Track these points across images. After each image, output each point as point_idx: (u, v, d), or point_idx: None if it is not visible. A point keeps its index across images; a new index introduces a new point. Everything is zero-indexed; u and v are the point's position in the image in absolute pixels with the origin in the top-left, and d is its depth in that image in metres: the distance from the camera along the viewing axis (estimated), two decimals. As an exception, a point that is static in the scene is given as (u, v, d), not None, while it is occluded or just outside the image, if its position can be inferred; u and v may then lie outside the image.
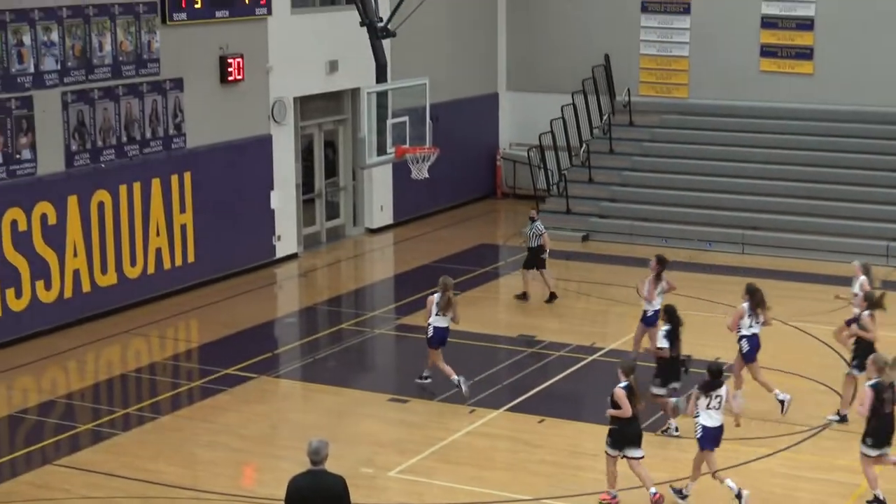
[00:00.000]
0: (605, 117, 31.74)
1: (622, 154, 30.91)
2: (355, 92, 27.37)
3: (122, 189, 22.68)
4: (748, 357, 18.11)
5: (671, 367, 17.20)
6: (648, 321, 19.38)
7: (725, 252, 27.43)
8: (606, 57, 32.16)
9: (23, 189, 20.96)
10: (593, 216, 29.36)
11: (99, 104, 22.23)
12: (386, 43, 22.95)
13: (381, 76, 22.40)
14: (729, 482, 14.92)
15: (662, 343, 17.16)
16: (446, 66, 31.04)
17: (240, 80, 24.94)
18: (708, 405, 14.97)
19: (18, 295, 20.98)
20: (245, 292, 24.43)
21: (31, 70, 20.97)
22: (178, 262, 23.94)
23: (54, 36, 21.28)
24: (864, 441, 15.07)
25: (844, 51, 30.15)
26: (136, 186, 22.96)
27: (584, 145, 30.89)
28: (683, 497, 15.21)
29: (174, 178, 23.70)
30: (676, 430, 17.10)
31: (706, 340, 21.18)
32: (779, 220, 27.89)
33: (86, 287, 22.11)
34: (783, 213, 28.05)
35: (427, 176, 22.54)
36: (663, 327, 17.37)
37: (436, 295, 18.62)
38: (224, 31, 24.60)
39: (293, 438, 17.17)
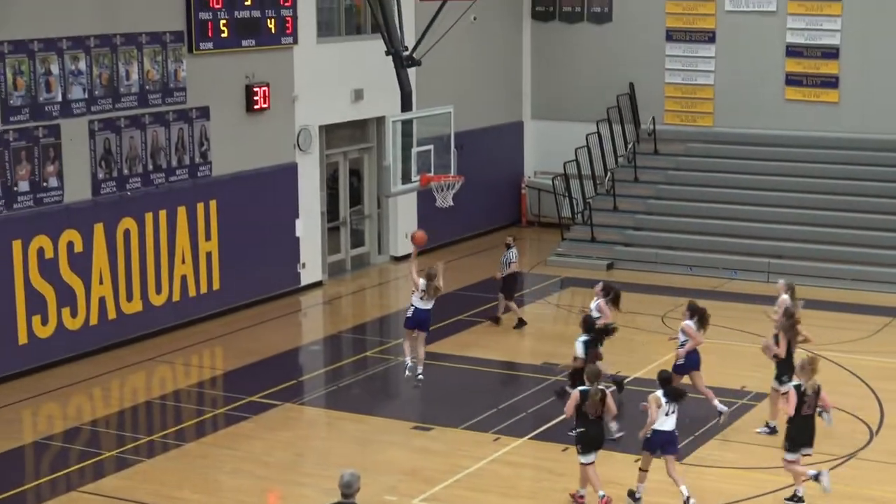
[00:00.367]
0: (629, 146, 31.74)
1: (647, 182, 30.90)
2: (380, 120, 27.44)
3: (148, 217, 22.79)
4: (690, 367, 18.55)
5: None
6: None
7: (750, 280, 27.33)
8: (631, 85, 32.20)
9: (49, 217, 21.08)
10: (618, 244, 29.33)
11: (125, 132, 22.37)
12: (411, 71, 23.07)
13: (406, 105, 22.51)
14: (640, 486, 15.70)
15: (579, 352, 18.01)
16: (471, 94, 31.12)
17: (265, 108, 25.06)
18: (667, 412, 15.56)
19: (45, 322, 21.08)
20: (270, 320, 24.48)
21: (59, 99, 21.13)
22: (204, 289, 24.02)
23: (82, 65, 21.44)
24: (785, 445, 15.84)
25: (870, 80, 30.10)
26: (162, 214, 23.06)
27: (609, 174, 30.89)
28: (637, 499, 15.81)
29: (200, 206, 23.80)
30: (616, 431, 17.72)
31: (732, 370, 21.15)
32: (804, 249, 27.80)
33: (111, 314, 22.19)
34: (808, 242, 27.96)
35: (452, 204, 22.61)
36: (581, 337, 18.27)
37: (421, 280, 19.08)
38: (250, 59, 24.73)
39: (317, 466, 17.18)
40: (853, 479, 16.67)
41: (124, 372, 21.32)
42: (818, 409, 16.07)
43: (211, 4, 23.62)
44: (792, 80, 30.93)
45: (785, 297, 19.43)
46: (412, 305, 19.23)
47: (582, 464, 15.67)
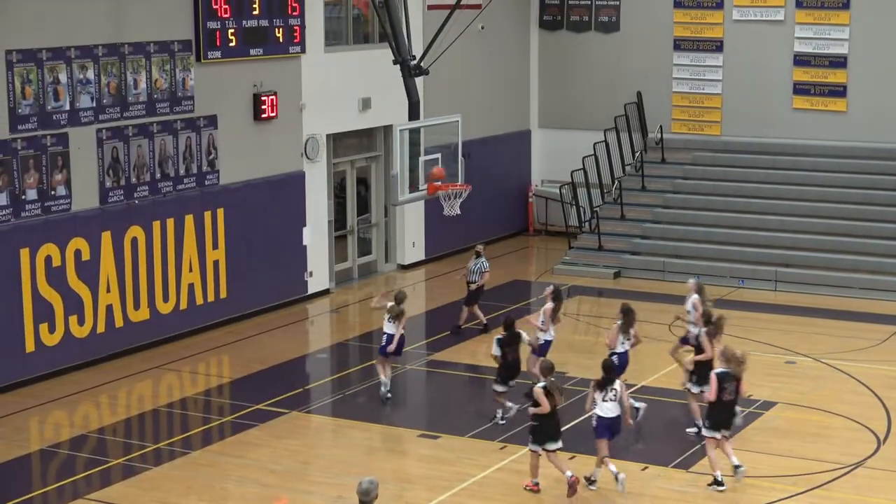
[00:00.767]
0: (637, 154, 31.74)
1: (654, 191, 30.90)
2: (388, 129, 27.49)
3: (156, 225, 22.83)
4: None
5: (509, 368, 18.84)
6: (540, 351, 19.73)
7: (758, 289, 27.32)
8: (639, 94, 32.21)
9: (57, 225, 21.12)
10: (625, 253, 29.33)
11: (133, 141, 22.41)
12: (419, 80, 23.09)
13: (413, 113, 22.53)
14: (611, 467, 16.28)
15: (495, 350, 18.88)
16: (479, 103, 31.15)
17: (273, 117, 25.10)
18: (604, 398, 16.33)
19: (52, 330, 21.12)
20: (277, 328, 24.50)
21: (67, 107, 21.17)
22: (211, 297, 24.04)
23: (90, 74, 21.50)
24: (704, 424, 16.67)
25: (878, 89, 30.08)
26: (170, 223, 23.10)
27: (616, 182, 30.89)
28: (592, 482, 16.55)
29: (207, 215, 23.84)
30: (503, 419, 18.77)
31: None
32: (812, 258, 27.77)
33: (118, 322, 22.23)
34: (816, 251, 27.93)
35: (459, 212, 22.62)
36: (497, 335, 19.09)
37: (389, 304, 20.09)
38: (258, 68, 24.78)
39: (324, 474, 17.19)
40: (860, 487, 16.64)
41: (131, 380, 21.35)
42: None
43: (219, 13, 23.67)
44: (800, 89, 30.91)
45: (695, 297, 19.92)
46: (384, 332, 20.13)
47: (532, 451, 16.35)
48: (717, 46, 31.64)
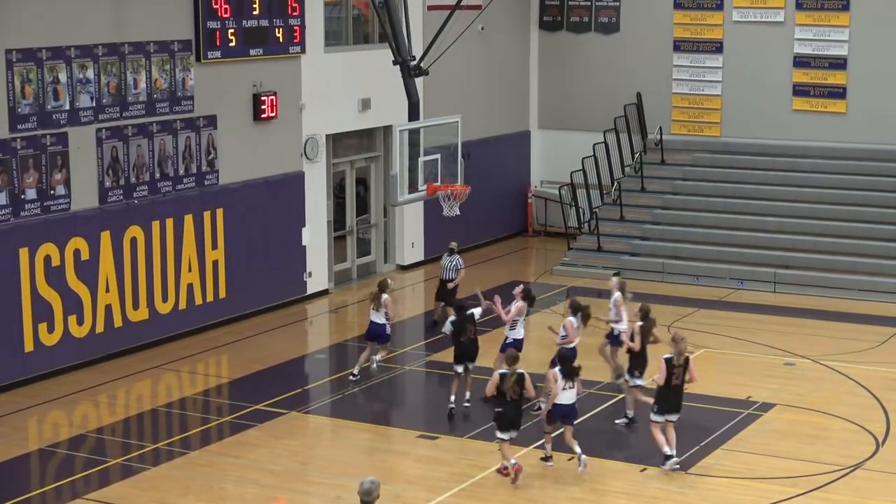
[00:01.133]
0: (636, 155, 31.75)
1: (654, 192, 30.90)
2: (387, 129, 27.50)
3: (155, 225, 22.82)
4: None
5: (463, 349, 19.44)
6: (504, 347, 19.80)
7: (757, 291, 27.32)
8: (638, 95, 32.21)
9: (56, 225, 21.12)
10: (624, 254, 29.33)
11: (133, 141, 22.41)
12: (418, 81, 23.11)
13: (413, 114, 22.54)
14: (547, 448, 17.32)
15: (447, 329, 19.73)
16: (478, 103, 31.15)
17: (273, 117, 25.10)
18: (564, 387, 16.97)
19: (51, 329, 21.12)
20: (276, 328, 24.51)
21: (67, 107, 21.17)
22: (210, 297, 24.05)
23: (90, 73, 21.49)
24: (653, 409, 17.15)
25: (877, 90, 30.08)
26: (169, 223, 23.10)
27: (616, 183, 30.89)
28: (548, 457, 17.40)
29: (206, 215, 23.84)
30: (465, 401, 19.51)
31: (738, 379, 21.15)
32: (811, 259, 27.78)
33: (117, 322, 22.23)
34: (815, 252, 27.94)
35: (458, 213, 22.62)
36: (450, 317, 19.80)
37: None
38: (258, 68, 24.78)
39: (322, 475, 17.19)
40: (859, 489, 16.64)
41: (130, 380, 21.35)
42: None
43: (219, 13, 23.68)
44: (799, 91, 30.92)
45: (618, 294, 20.31)
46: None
47: (500, 440, 16.82)
48: (716, 48, 31.64)
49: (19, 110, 20.41)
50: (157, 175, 22.92)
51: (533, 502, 16.36)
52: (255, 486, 16.80)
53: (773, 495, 16.39)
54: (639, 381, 18.81)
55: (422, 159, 21.80)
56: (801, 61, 30.82)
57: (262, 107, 24.81)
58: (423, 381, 21.86)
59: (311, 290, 26.55)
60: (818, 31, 30.54)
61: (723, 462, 17.50)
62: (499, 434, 16.83)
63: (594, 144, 30.85)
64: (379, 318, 20.70)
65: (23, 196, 20.61)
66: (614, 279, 20.97)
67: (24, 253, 20.55)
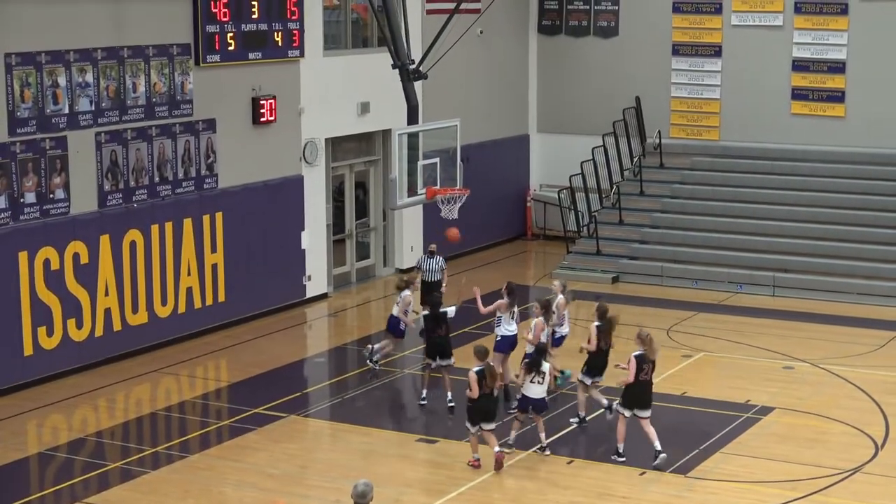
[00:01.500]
0: (635, 159, 31.76)
1: (652, 196, 30.92)
2: (386, 133, 27.52)
3: (154, 229, 22.83)
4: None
5: (434, 345, 19.96)
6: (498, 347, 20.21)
7: (756, 294, 27.33)
8: (637, 99, 32.23)
9: (56, 228, 21.12)
10: (623, 258, 29.34)
11: (132, 145, 22.42)
12: (417, 85, 23.14)
13: (412, 118, 22.56)
14: (513, 434, 18.02)
15: (420, 322, 20.46)
16: (477, 107, 31.17)
17: (272, 121, 25.12)
18: (531, 379, 17.68)
19: (50, 333, 21.12)
20: (275, 332, 24.51)
21: (66, 111, 21.18)
22: (209, 301, 24.05)
23: (89, 77, 21.51)
24: (619, 402, 17.72)
25: (876, 94, 30.09)
26: (168, 226, 23.10)
27: (615, 187, 30.92)
28: (510, 446, 17.99)
29: (206, 219, 23.85)
30: (449, 400, 19.88)
31: (737, 383, 21.16)
32: (809, 263, 27.79)
33: (117, 326, 22.23)
34: (814, 256, 27.95)
35: (456, 217, 22.62)
36: (424, 312, 20.37)
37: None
38: (257, 72, 24.79)
39: (321, 478, 17.19)
40: (858, 493, 16.64)
41: (129, 383, 21.35)
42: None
43: (218, 17, 23.69)
44: (798, 95, 30.94)
45: (562, 297, 20.49)
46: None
47: (471, 432, 17.38)
48: (715, 52, 31.66)
49: (18, 114, 20.42)
50: (157, 179, 22.93)
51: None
52: (255, 489, 16.81)
53: (772, 499, 16.39)
54: (593, 380, 19.04)
55: (421, 163, 21.82)
56: (799, 65, 30.84)
57: (262, 110, 24.82)
58: (423, 385, 21.83)
59: (310, 293, 26.55)
60: (817, 35, 30.55)
61: (722, 466, 17.50)
62: (470, 427, 17.34)
63: (593, 148, 30.87)
64: (396, 312, 21.20)
65: (22, 200, 20.62)
66: (556, 282, 21.24)
67: (23, 257, 20.56)
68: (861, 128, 30.27)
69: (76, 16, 21.32)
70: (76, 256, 21.42)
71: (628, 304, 26.43)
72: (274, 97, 25.11)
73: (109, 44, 21.85)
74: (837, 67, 30.45)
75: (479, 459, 17.39)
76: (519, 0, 32.89)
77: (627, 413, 17.61)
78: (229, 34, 23.97)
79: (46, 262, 20.93)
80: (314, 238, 26.53)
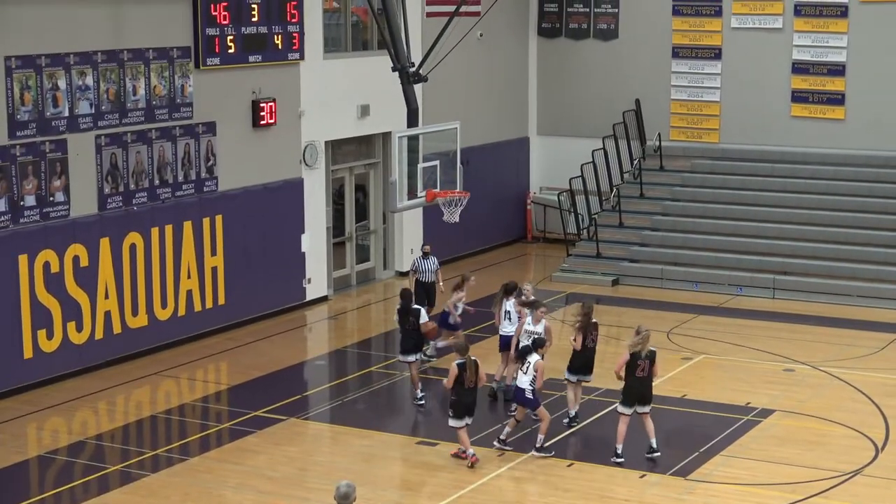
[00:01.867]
0: (635, 162, 31.77)
1: (653, 198, 30.91)
2: (386, 136, 27.52)
3: (154, 232, 22.83)
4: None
5: (410, 338, 20.38)
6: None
7: (756, 297, 27.33)
8: (637, 102, 32.23)
9: (56, 231, 21.11)
10: (623, 260, 29.33)
11: (132, 147, 22.42)
12: (417, 87, 23.13)
13: (412, 120, 22.54)
14: (506, 429, 18.24)
15: (396, 319, 20.73)
16: (477, 110, 31.17)
17: (272, 123, 25.12)
18: (519, 369, 18.11)
19: (50, 336, 21.11)
20: (275, 335, 24.51)
21: (66, 114, 21.18)
22: (209, 304, 24.04)
23: (89, 80, 21.50)
24: (621, 402, 17.76)
25: (876, 96, 30.09)
26: (168, 229, 23.10)
27: (615, 189, 30.91)
28: (502, 441, 18.22)
29: (206, 221, 23.85)
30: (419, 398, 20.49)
31: (737, 385, 21.14)
32: (810, 265, 27.79)
33: (116, 329, 22.22)
34: (814, 258, 27.95)
35: (457, 220, 22.62)
36: (398, 306, 20.74)
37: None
38: (257, 75, 24.80)
39: (322, 481, 17.17)
40: (858, 495, 16.63)
41: (129, 386, 21.34)
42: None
43: (218, 20, 23.70)
44: (798, 97, 30.94)
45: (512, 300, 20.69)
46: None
47: (453, 427, 17.63)
48: (715, 54, 31.67)
49: (18, 117, 20.42)
50: (157, 182, 22.93)
51: (532, 508, 16.40)
52: (255, 492, 16.80)
53: (772, 501, 16.39)
54: (578, 378, 19.27)
55: (421, 166, 21.81)
56: (799, 68, 30.84)
57: (261, 113, 24.82)
58: (423, 388, 21.80)
59: (310, 296, 26.55)
60: (816, 37, 30.56)
61: (722, 468, 17.49)
62: (452, 423, 17.63)
63: (593, 151, 30.87)
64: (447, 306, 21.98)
65: (22, 203, 20.61)
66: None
67: (23, 260, 20.55)
68: (861, 130, 30.27)
69: (76, 19, 21.31)
70: (76, 259, 21.41)
71: (628, 307, 26.45)
72: (274, 100, 25.10)
73: (109, 47, 21.85)
74: (837, 70, 30.45)
75: (465, 453, 17.55)
76: (519, 3, 32.90)
77: (628, 411, 17.68)
78: (229, 37, 23.97)
79: (46, 265, 20.92)
80: (314, 241, 26.53)
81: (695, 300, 27.06)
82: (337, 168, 27.73)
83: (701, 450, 18.08)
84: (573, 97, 33.19)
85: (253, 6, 24.38)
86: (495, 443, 18.15)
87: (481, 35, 30.46)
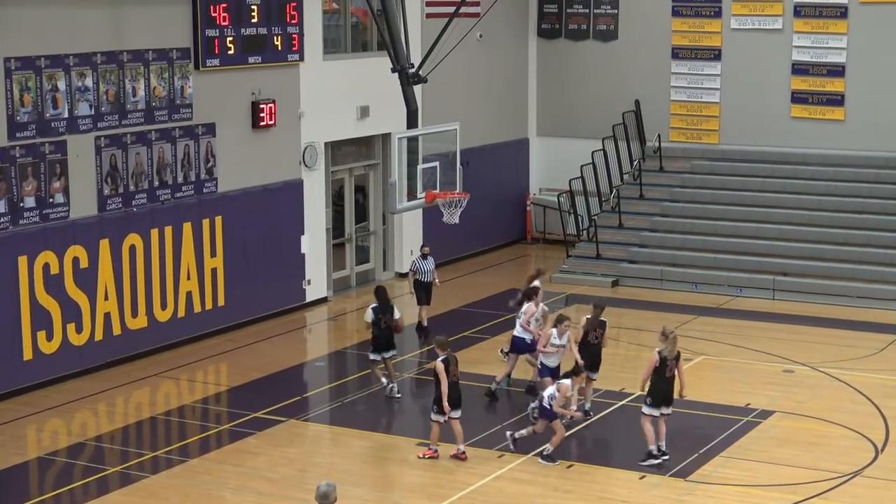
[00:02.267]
0: (635, 163, 31.76)
1: (652, 199, 30.91)
2: (386, 137, 27.51)
3: (154, 233, 22.83)
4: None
5: (382, 337, 20.62)
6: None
7: (756, 298, 27.33)
8: (637, 103, 32.23)
9: (55, 233, 21.11)
10: (623, 261, 29.33)
11: (132, 149, 22.42)
12: (417, 89, 23.10)
13: (411, 121, 22.53)
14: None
15: (369, 317, 20.64)
16: (477, 111, 31.17)
17: (271, 125, 25.12)
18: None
19: (49, 337, 21.11)
20: (275, 336, 24.50)
21: (66, 115, 21.18)
22: (209, 305, 24.04)
23: (88, 81, 21.51)
24: (645, 401, 17.68)
25: (875, 97, 30.09)
26: (168, 230, 23.10)
27: (614, 191, 30.92)
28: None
29: (205, 223, 23.84)
30: (396, 391, 20.80)
31: (737, 387, 21.15)
32: (809, 266, 27.79)
33: (116, 330, 22.22)
34: (813, 259, 27.95)
35: (457, 221, 22.61)
36: (371, 304, 20.77)
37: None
38: (256, 76, 24.80)
39: (321, 482, 17.14)
40: (858, 496, 16.64)
41: (129, 388, 21.34)
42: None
43: (218, 21, 23.70)
44: (798, 98, 30.94)
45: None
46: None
47: (435, 421, 17.91)
48: (715, 55, 31.67)
49: (18, 118, 20.42)
50: (156, 183, 22.93)
51: (532, 510, 16.39)
52: (254, 493, 16.79)
53: (772, 502, 16.39)
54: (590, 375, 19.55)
55: (420, 167, 21.79)
56: (799, 69, 30.85)
57: (261, 114, 24.83)
58: (422, 389, 21.81)
59: (310, 297, 26.55)
60: (816, 38, 30.57)
61: (722, 469, 17.50)
62: (435, 417, 17.90)
63: (593, 152, 30.87)
64: (518, 329, 20.77)
65: (21, 204, 20.61)
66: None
67: (22, 261, 20.55)
68: (861, 131, 30.27)
69: (76, 20, 21.32)
70: (76, 261, 21.41)
71: (628, 308, 26.44)
72: (273, 101, 25.11)
73: (109, 48, 21.85)
74: (837, 71, 30.46)
75: (436, 451, 17.89)
76: (518, 4, 32.91)
77: (656, 412, 17.62)
78: (229, 38, 23.97)
79: (46, 267, 20.92)
80: (314, 242, 26.53)
81: (694, 301, 27.06)
82: (336, 169, 27.72)
83: (700, 451, 18.08)
84: (573, 98, 33.19)
85: (252, 7, 24.39)
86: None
87: (481, 36, 30.46)
